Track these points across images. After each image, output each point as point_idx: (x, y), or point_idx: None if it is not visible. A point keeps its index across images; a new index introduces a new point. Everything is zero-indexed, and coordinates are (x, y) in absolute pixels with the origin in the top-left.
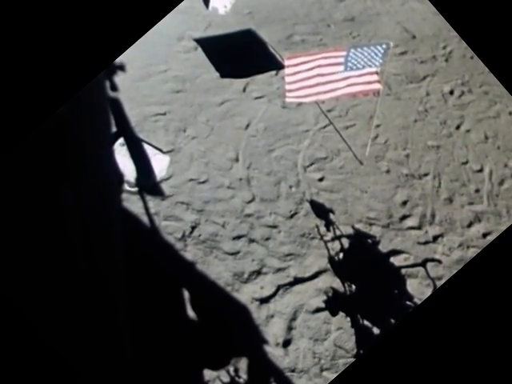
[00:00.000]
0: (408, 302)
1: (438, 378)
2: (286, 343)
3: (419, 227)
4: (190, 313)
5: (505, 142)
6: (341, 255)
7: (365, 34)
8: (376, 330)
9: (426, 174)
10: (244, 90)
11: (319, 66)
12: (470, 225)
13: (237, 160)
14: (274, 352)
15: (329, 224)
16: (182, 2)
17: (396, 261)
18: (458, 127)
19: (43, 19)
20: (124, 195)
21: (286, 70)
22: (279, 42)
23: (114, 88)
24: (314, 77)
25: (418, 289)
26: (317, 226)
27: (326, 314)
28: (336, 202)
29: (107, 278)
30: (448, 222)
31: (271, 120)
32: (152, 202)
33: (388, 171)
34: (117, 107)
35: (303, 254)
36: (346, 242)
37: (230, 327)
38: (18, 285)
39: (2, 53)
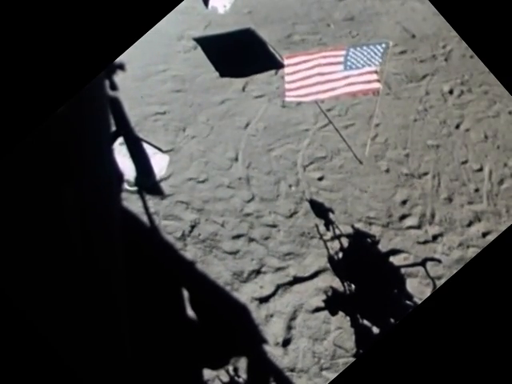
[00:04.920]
0: (408, 302)
1: (438, 378)
2: (286, 343)
3: (419, 227)
4: (190, 312)
5: (504, 142)
6: (340, 255)
7: (364, 33)
8: (376, 330)
9: (425, 174)
10: (243, 89)
11: (319, 66)
12: (469, 224)
13: (236, 159)
14: (273, 351)
15: (328, 223)
16: (182, 2)
17: (396, 260)
18: (457, 126)
19: (43, 19)
20: (124, 194)
21: (286, 70)
22: (279, 41)
23: (114, 88)
24: (314, 76)
25: (418, 288)
26: (316, 226)
27: (325, 313)
28: (336, 201)
29: (107, 278)
30: (448, 221)
31: (271, 119)
32: (151, 202)
33: (388, 170)
34: (116, 107)
35: (303, 254)
36: (345, 242)
37: (230, 327)
38: (18, 284)
39: (2, 53)
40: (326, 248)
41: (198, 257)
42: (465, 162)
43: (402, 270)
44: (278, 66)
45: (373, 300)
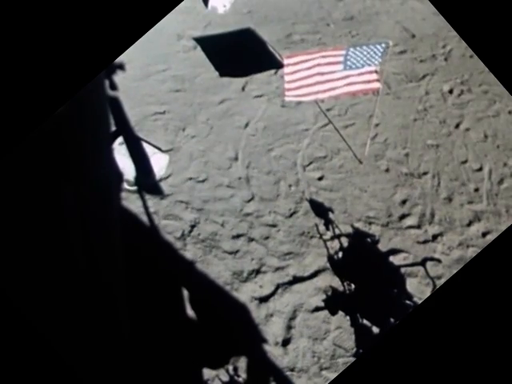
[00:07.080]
0: (408, 302)
1: (438, 378)
2: (286, 342)
3: (419, 226)
4: (190, 312)
5: (504, 141)
6: (340, 254)
7: (364, 33)
8: (376, 330)
9: (425, 173)
10: (243, 89)
11: (318, 65)
12: (469, 224)
13: (236, 159)
14: (273, 351)
15: (328, 223)
16: (182, 2)
17: (395, 260)
18: (457, 126)
19: (43, 19)
20: (123, 194)
21: (286, 69)
22: (278, 41)
23: (114, 87)
24: (314, 76)
25: (418, 288)
26: (316, 225)
27: (325, 313)
28: (335, 201)
29: (107, 278)
30: (447, 221)
31: (270, 119)
32: (151, 201)
33: (387, 170)
34: (116, 106)
35: (302, 253)
36: (345, 241)
37: (230, 326)
38: (18, 285)
39: (2, 53)
40: (326, 247)
41: (197, 256)
42: (464, 162)
43: (402, 270)
44: (278, 65)
45: (373, 300)
